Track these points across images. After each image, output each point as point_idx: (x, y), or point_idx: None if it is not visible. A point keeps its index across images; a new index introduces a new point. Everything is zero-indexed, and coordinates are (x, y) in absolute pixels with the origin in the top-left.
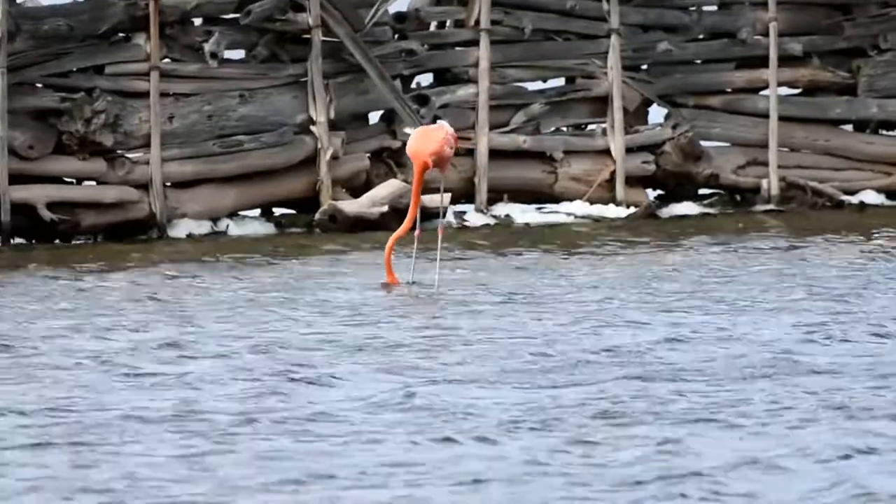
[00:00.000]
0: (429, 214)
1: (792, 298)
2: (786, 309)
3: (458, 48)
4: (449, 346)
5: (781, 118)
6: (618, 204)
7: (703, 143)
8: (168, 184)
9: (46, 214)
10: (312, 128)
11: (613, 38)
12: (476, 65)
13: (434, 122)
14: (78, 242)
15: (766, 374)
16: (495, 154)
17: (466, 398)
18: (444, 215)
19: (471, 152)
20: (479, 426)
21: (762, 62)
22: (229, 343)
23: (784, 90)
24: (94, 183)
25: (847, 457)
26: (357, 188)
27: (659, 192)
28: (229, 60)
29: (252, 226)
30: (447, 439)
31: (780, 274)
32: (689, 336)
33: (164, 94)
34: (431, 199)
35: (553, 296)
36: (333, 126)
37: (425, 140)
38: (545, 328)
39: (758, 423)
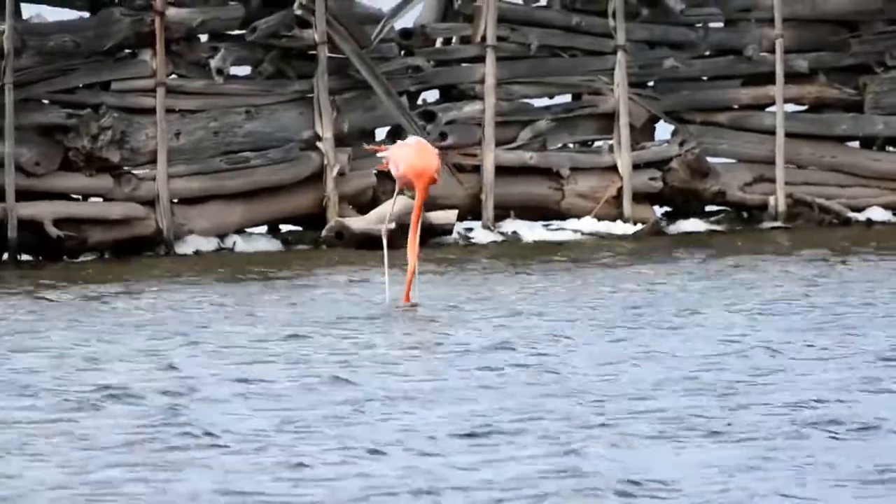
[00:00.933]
0: (437, 231)
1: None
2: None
3: (464, 64)
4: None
5: (788, 135)
6: (625, 221)
7: (709, 159)
8: (175, 200)
9: (53, 231)
10: (319, 144)
11: (620, 54)
12: (482, 81)
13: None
14: (85, 259)
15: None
16: (502, 170)
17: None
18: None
19: (477, 169)
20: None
21: (769, 79)
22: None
23: (790, 107)
24: (100, 199)
25: None
26: (364, 205)
27: (666, 208)
28: (235, 77)
29: (259, 242)
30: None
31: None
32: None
33: (170, 111)
34: (438, 216)
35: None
36: (340, 142)
37: (428, 156)
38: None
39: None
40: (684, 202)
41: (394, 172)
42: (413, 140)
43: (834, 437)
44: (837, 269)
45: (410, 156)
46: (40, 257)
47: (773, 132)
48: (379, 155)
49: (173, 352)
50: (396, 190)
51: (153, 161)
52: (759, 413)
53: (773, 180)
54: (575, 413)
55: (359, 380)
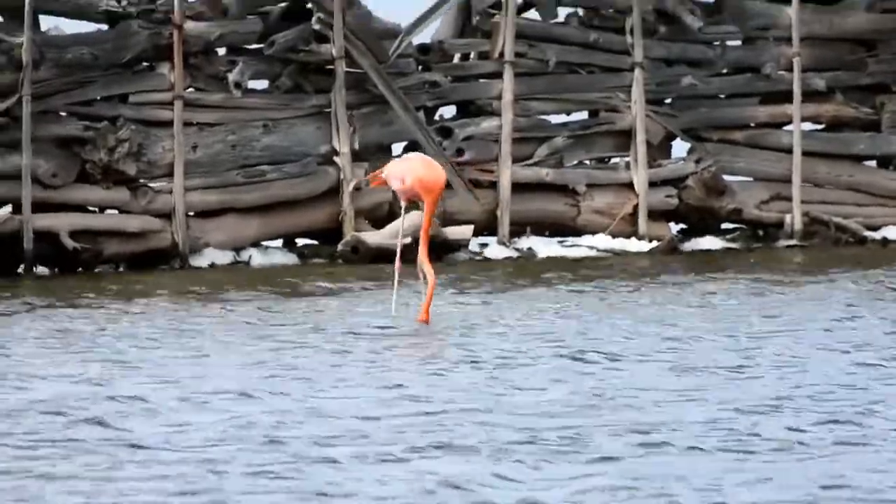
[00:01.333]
0: (452, 247)
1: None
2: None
3: (481, 80)
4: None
5: (805, 153)
6: (640, 238)
7: (726, 177)
8: (191, 213)
9: (69, 243)
10: (336, 159)
11: (637, 71)
12: (500, 97)
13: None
14: (99, 271)
15: None
16: (518, 187)
17: None
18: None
19: (493, 185)
20: None
21: (786, 97)
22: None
23: (808, 125)
24: (117, 212)
25: None
26: (380, 219)
27: (682, 226)
28: (253, 90)
29: (275, 256)
30: None
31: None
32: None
33: (187, 124)
34: (453, 232)
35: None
36: (357, 157)
37: (436, 169)
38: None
39: None
40: (700, 220)
41: (397, 187)
42: (414, 155)
43: None
44: None
45: (418, 169)
46: (56, 269)
47: (790, 151)
48: (385, 169)
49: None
50: (403, 205)
51: (170, 174)
52: None
53: (789, 199)
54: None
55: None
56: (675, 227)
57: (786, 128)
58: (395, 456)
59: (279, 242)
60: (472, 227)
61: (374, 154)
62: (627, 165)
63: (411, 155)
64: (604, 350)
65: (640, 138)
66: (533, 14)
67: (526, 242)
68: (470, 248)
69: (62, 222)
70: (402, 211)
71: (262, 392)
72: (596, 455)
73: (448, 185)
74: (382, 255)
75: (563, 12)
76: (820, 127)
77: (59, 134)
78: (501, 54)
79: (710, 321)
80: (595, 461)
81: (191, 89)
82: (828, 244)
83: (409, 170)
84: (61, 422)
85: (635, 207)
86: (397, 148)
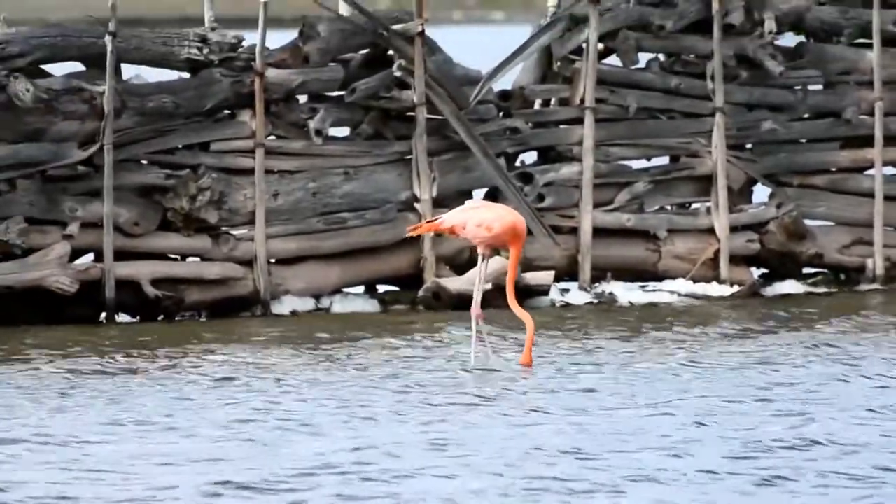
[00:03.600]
0: (533, 292)
1: None
2: None
3: (562, 126)
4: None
5: (887, 198)
6: (721, 282)
7: (807, 222)
8: (272, 260)
9: (151, 291)
10: (416, 205)
11: (718, 116)
12: (580, 143)
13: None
14: (181, 319)
15: None
16: (599, 232)
17: None
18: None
19: (574, 230)
20: None
21: (867, 142)
22: None
23: (889, 170)
24: (198, 259)
25: None
26: (460, 265)
27: (763, 270)
28: (334, 138)
29: (356, 303)
30: None
31: None
32: None
33: (268, 171)
34: (534, 277)
35: None
36: (437, 203)
37: (520, 216)
38: None
39: None
40: (781, 265)
41: (481, 235)
42: (482, 202)
43: None
44: None
45: (506, 216)
46: (138, 317)
47: (871, 195)
48: (446, 219)
49: None
50: (483, 253)
51: (251, 221)
52: None
53: (871, 243)
54: None
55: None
56: (756, 272)
57: (867, 172)
58: None
59: (360, 289)
60: (552, 273)
61: (454, 200)
62: (708, 210)
63: (478, 203)
64: None
65: (721, 183)
66: (614, 60)
67: (607, 287)
68: (551, 294)
69: (144, 270)
70: (482, 259)
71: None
72: None
73: (529, 232)
74: (463, 301)
75: (643, 58)
76: None
77: (140, 182)
78: (582, 100)
79: None
80: None
81: (272, 137)
82: None
83: (496, 218)
84: None
85: (716, 252)
86: (478, 194)
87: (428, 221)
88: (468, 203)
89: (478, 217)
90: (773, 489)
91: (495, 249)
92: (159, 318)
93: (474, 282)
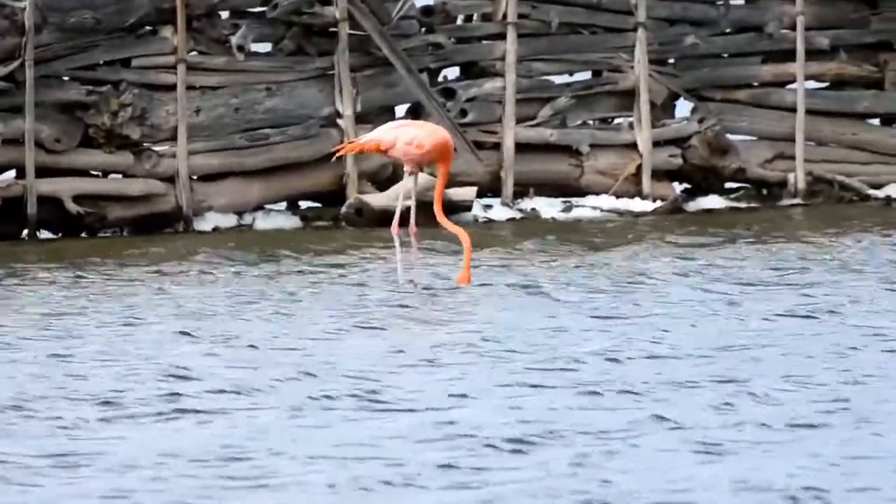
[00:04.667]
0: (456, 208)
1: None
2: None
3: (484, 42)
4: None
5: (808, 112)
6: (644, 198)
7: (729, 136)
8: (194, 177)
9: (73, 207)
10: (339, 121)
11: (640, 31)
12: (503, 58)
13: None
14: (104, 235)
15: None
16: (521, 147)
17: None
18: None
19: (497, 146)
20: None
21: (789, 56)
22: None
23: (811, 84)
24: (120, 176)
25: None
26: (383, 181)
27: (686, 185)
28: (256, 53)
29: (278, 219)
30: None
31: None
32: None
33: (190, 87)
34: (457, 193)
35: None
36: (360, 119)
37: (447, 133)
38: None
39: None
40: (704, 179)
41: (411, 153)
42: (407, 121)
43: None
44: None
45: (436, 133)
46: (60, 234)
47: (793, 109)
48: (374, 138)
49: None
50: (410, 170)
51: (173, 138)
52: None
53: (793, 157)
54: None
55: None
56: (678, 187)
57: (789, 87)
58: None
59: (283, 205)
60: (475, 188)
61: (376, 116)
62: (631, 126)
63: (405, 122)
64: None
65: (644, 98)
66: None
67: (529, 203)
68: (473, 209)
69: (66, 187)
70: (408, 175)
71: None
72: None
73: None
74: (386, 218)
75: None
76: (823, 85)
77: (61, 98)
78: (504, 15)
79: None
80: None
81: (194, 53)
82: (831, 203)
83: (427, 135)
84: None
85: (639, 167)
86: (400, 110)
87: (351, 141)
88: (392, 122)
89: (408, 135)
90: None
91: (421, 166)
92: (82, 235)
93: (397, 197)
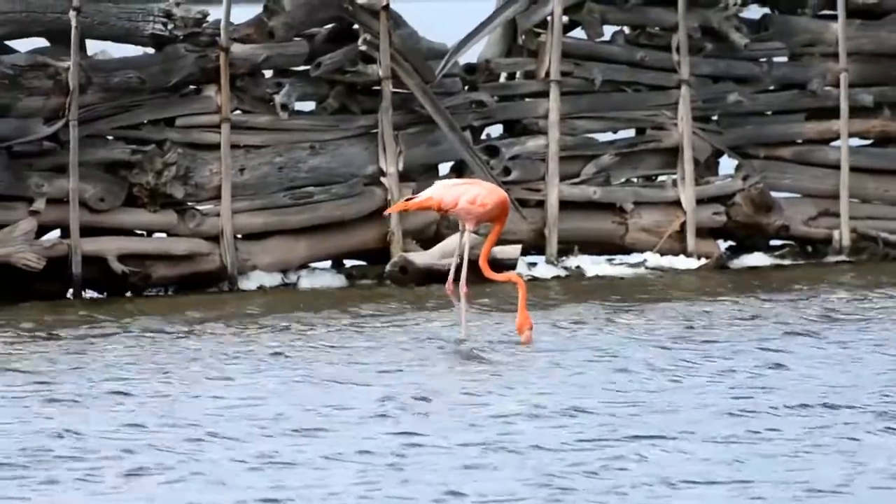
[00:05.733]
0: (501, 266)
1: None
2: None
3: (528, 99)
4: None
5: (852, 169)
6: (688, 255)
7: (773, 194)
8: (238, 236)
9: (118, 267)
10: (383, 179)
11: (684, 88)
12: (546, 116)
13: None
14: (149, 294)
15: None
16: (565, 205)
17: None
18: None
19: (541, 203)
20: None
21: (833, 113)
22: None
23: (855, 141)
24: (164, 235)
25: None
26: (427, 239)
27: (730, 242)
28: (300, 112)
29: (323, 277)
30: None
31: None
32: None
33: (234, 146)
34: (502, 251)
35: None
36: (404, 177)
37: (501, 190)
38: None
39: None
40: (748, 237)
41: (474, 211)
42: (463, 180)
43: None
44: None
45: (496, 192)
46: (104, 293)
47: (837, 167)
48: (433, 196)
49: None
50: (470, 228)
51: (217, 197)
52: None
53: (837, 215)
54: None
55: None
56: (723, 245)
57: (833, 144)
58: None
59: (328, 264)
60: (519, 246)
61: (420, 174)
62: (674, 183)
63: (461, 180)
64: None
65: (687, 156)
66: (579, 33)
67: (574, 261)
68: (518, 267)
69: (110, 246)
70: (465, 234)
71: None
72: None
73: None
74: (430, 276)
75: (608, 31)
76: (867, 142)
77: (105, 158)
78: (547, 73)
79: None
80: None
81: (237, 112)
82: (876, 259)
83: (489, 193)
84: None
85: (683, 225)
86: (444, 168)
87: (409, 199)
88: (442, 182)
89: (470, 193)
90: None
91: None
92: (126, 294)
93: (441, 256)
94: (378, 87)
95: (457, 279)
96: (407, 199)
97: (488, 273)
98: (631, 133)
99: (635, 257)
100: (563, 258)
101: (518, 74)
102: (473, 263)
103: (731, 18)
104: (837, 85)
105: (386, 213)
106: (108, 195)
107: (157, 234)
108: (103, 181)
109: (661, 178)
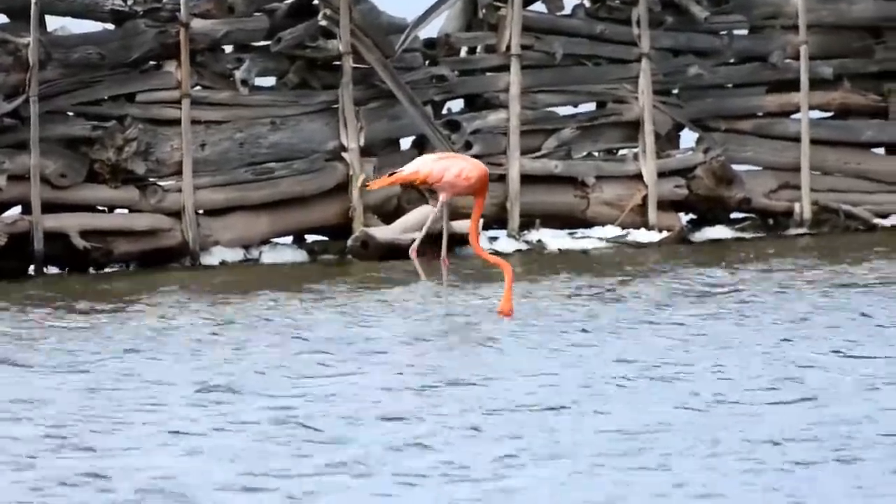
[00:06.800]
0: (463, 240)
1: None
2: None
3: (488, 73)
4: None
5: (813, 141)
6: (650, 228)
7: (734, 167)
8: (200, 211)
9: (79, 243)
10: (344, 154)
11: (644, 62)
12: (507, 90)
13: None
14: (111, 270)
15: None
16: (527, 179)
17: None
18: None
19: (502, 178)
20: None
21: (793, 86)
22: None
23: (815, 114)
24: (126, 211)
25: None
26: (388, 214)
27: (691, 216)
28: (260, 88)
29: (285, 253)
30: None
31: None
32: None
33: (195, 122)
34: (462, 225)
35: None
36: (365, 152)
37: (481, 164)
38: None
39: None
40: (709, 210)
41: (459, 184)
42: (441, 154)
43: None
44: None
45: (479, 166)
46: (66, 269)
47: (798, 139)
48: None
49: None
50: (445, 199)
51: (178, 172)
52: None
53: (798, 187)
54: None
55: None
56: (684, 218)
57: (793, 116)
58: None
59: (289, 239)
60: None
61: (381, 149)
62: (636, 157)
63: (445, 154)
64: None
65: (648, 129)
66: (539, 6)
67: (536, 235)
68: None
69: (72, 222)
70: (442, 205)
71: None
72: None
73: None
74: (392, 251)
75: (569, 4)
76: (828, 115)
77: (66, 134)
78: (508, 47)
79: None
80: None
81: (198, 87)
82: (837, 232)
83: (473, 167)
84: None
85: (644, 198)
86: (405, 143)
87: (392, 173)
88: (426, 156)
89: (457, 167)
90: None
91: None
92: (88, 271)
93: (402, 230)
94: (338, 63)
95: (423, 250)
96: (390, 174)
97: (479, 251)
98: (592, 107)
99: (597, 231)
100: (525, 232)
101: (478, 49)
102: (437, 237)
103: None
104: (797, 57)
105: (368, 187)
106: (70, 171)
107: (118, 210)
108: (64, 157)
109: (622, 152)
